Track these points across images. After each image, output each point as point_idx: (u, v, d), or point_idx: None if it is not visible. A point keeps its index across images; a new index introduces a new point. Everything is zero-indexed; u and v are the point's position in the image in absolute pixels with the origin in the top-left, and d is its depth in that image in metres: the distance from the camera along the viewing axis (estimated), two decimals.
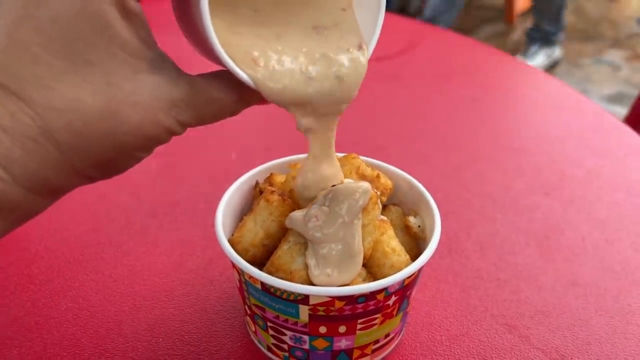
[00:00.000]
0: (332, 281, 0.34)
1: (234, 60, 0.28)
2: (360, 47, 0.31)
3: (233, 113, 0.30)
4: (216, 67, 0.30)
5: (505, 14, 3.16)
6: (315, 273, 0.35)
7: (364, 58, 0.31)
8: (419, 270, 0.37)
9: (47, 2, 0.24)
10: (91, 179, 0.27)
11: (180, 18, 0.31)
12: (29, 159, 0.24)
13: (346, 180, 0.37)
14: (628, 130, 0.72)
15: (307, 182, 0.36)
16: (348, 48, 0.31)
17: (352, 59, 0.31)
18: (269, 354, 0.40)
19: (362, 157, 0.42)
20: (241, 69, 0.28)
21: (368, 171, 0.41)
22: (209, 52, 0.29)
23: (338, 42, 0.31)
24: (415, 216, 0.41)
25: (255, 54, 0.29)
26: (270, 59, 0.29)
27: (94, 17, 0.24)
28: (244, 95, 0.30)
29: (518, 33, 3.04)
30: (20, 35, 0.24)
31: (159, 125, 0.27)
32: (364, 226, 0.36)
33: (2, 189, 0.24)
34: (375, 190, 0.38)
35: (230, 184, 0.42)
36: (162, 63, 0.27)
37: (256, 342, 0.41)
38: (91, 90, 0.25)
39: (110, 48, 0.25)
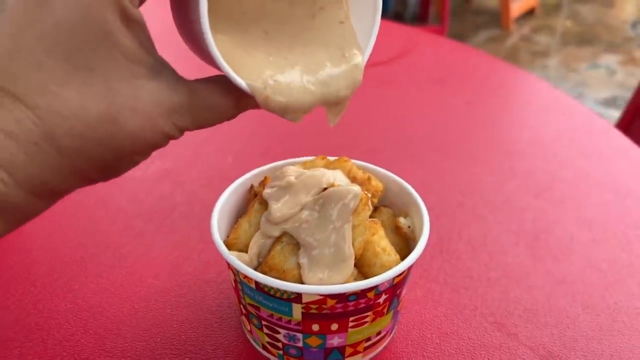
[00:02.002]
0: (324, 284, 0.35)
1: (237, 72, 0.29)
2: (356, 61, 0.33)
3: (230, 117, 0.30)
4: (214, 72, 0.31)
5: (501, 19, 3.18)
6: (308, 275, 0.36)
7: (360, 66, 0.33)
8: (409, 269, 0.38)
9: (51, 9, 0.24)
10: (90, 182, 0.28)
11: (178, 20, 0.31)
12: (31, 163, 0.25)
13: (337, 183, 0.38)
14: (617, 133, 0.73)
15: None
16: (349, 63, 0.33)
17: (351, 70, 0.33)
18: (264, 353, 0.41)
19: (353, 160, 0.44)
20: (243, 78, 0.29)
21: (359, 174, 0.42)
22: (206, 56, 0.29)
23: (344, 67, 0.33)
24: (405, 217, 0.42)
25: (268, 72, 0.30)
26: (279, 81, 0.30)
27: (97, 24, 0.25)
28: (242, 100, 0.30)
29: (514, 38, 3.07)
30: (25, 42, 0.24)
31: (157, 130, 0.27)
32: (354, 227, 0.37)
33: (5, 192, 0.25)
34: (366, 192, 0.39)
35: (226, 187, 0.43)
36: (161, 69, 0.28)
37: (252, 340, 0.42)
38: (93, 96, 0.25)
39: (111, 54, 0.25)
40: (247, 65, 0.30)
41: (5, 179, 0.25)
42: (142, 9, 0.28)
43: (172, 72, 0.28)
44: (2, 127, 0.24)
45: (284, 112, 0.31)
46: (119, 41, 0.26)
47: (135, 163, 0.28)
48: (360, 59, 0.33)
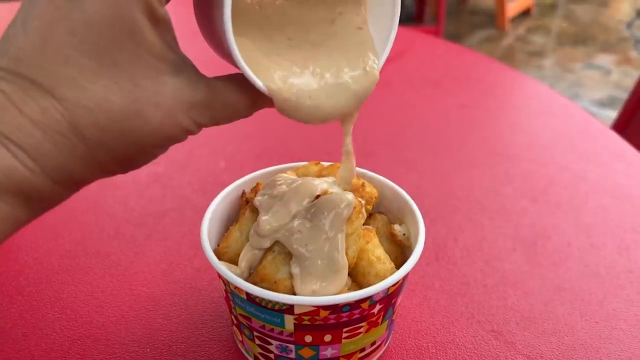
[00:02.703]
0: (317, 296, 0.34)
1: (257, 75, 0.29)
2: (372, 67, 0.34)
3: (246, 116, 0.31)
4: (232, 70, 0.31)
5: (497, 19, 3.18)
6: (300, 287, 0.35)
7: (376, 73, 0.34)
8: (404, 279, 0.37)
9: (81, 6, 0.25)
10: (111, 173, 0.29)
11: (200, 20, 0.31)
12: (57, 153, 0.26)
13: (330, 190, 0.38)
14: (614, 135, 0.73)
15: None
16: (365, 67, 0.34)
17: (367, 75, 0.34)
18: None
19: None
20: (263, 81, 0.29)
21: (353, 180, 0.41)
22: (227, 55, 0.30)
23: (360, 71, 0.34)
24: (400, 224, 0.41)
25: (290, 79, 0.31)
26: (299, 88, 0.31)
27: (125, 22, 0.25)
28: (258, 99, 0.31)
29: (509, 38, 3.07)
30: (55, 37, 0.25)
31: (177, 125, 0.28)
32: (348, 235, 0.36)
33: (32, 179, 0.25)
34: (360, 200, 0.38)
35: (219, 192, 0.42)
36: (183, 66, 0.28)
37: (243, 351, 0.41)
38: (118, 91, 0.26)
39: (137, 51, 0.26)
40: (269, 69, 0.30)
41: (31, 167, 0.25)
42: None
43: (194, 69, 0.29)
44: (30, 116, 0.25)
45: (300, 119, 0.31)
46: (145, 39, 0.26)
47: (154, 156, 0.29)
48: (377, 66, 0.33)
